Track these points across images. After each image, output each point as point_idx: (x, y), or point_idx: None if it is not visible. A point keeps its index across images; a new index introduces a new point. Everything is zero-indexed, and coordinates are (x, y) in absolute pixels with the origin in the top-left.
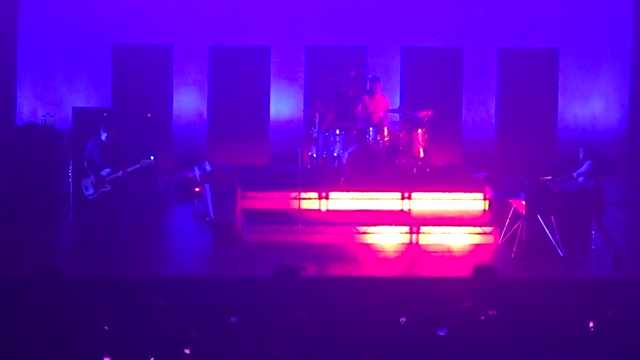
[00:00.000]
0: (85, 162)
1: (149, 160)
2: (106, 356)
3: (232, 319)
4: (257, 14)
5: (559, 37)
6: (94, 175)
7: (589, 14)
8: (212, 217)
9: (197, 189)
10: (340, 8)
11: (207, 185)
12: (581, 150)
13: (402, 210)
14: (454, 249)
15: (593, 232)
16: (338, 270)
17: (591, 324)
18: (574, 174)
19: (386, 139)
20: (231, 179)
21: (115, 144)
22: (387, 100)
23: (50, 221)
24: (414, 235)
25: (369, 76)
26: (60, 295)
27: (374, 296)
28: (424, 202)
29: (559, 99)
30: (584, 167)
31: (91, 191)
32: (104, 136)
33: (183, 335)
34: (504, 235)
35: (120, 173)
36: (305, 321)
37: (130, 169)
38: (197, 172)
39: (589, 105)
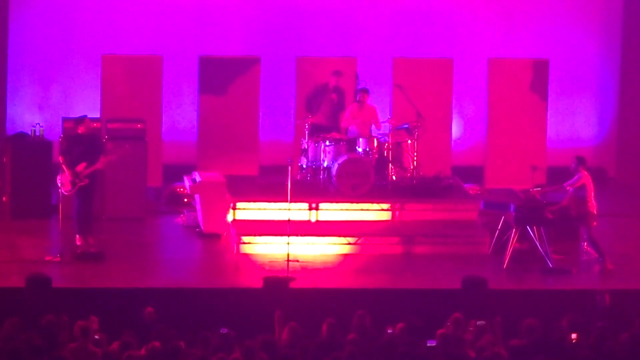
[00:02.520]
0: (62, 158)
1: (125, 149)
2: None
3: (221, 329)
4: (247, 24)
5: (549, 48)
6: (70, 171)
7: (579, 26)
8: (202, 227)
9: (186, 200)
10: (331, 19)
11: (196, 196)
12: (574, 161)
13: (392, 221)
14: (443, 260)
15: (583, 243)
16: (327, 281)
17: (574, 336)
18: (565, 185)
19: (376, 149)
20: (221, 189)
21: (93, 138)
22: (376, 111)
23: (40, 231)
24: (404, 246)
25: (359, 87)
26: (50, 305)
27: (363, 307)
28: (413, 212)
29: (549, 110)
30: (574, 178)
31: (68, 187)
32: (80, 130)
33: (173, 345)
34: (494, 246)
35: (97, 165)
36: (295, 331)
37: (106, 160)
38: (187, 183)
39: (579, 116)
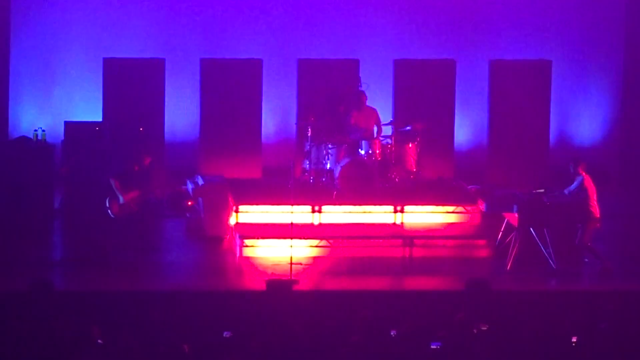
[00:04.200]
0: (117, 182)
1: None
2: None
3: (224, 333)
4: (248, 27)
5: (552, 49)
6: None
7: (581, 27)
8: (205, 230)
9: (189, 203)
10: (333, 21)
11: (199, 199)
12: (571, 164)
13: (394, 224)
14: (447, 262)
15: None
16: (330, 283)
17: (574, 339)
18: (565, 191)
19: (378, 152)
20: (224, 192)
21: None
22: (376, 113)
23: (42, 235)
24: (407, 249)
25: (359, 89)
26: (52, 309)
27: (366, 309)
28: (416, 215)
29: (552, 111)
30: (574, 184)
31: (116, 211)
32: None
33: (176, 349)
34: (497, 248)
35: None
36: (298, 335)
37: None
38: (190, 186)
39: (582, 117)
